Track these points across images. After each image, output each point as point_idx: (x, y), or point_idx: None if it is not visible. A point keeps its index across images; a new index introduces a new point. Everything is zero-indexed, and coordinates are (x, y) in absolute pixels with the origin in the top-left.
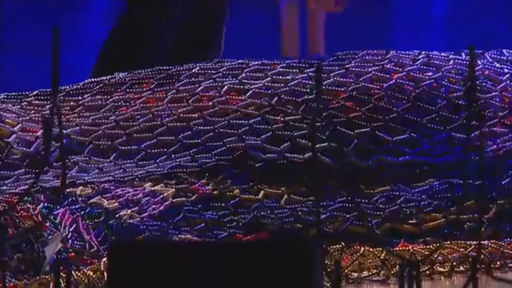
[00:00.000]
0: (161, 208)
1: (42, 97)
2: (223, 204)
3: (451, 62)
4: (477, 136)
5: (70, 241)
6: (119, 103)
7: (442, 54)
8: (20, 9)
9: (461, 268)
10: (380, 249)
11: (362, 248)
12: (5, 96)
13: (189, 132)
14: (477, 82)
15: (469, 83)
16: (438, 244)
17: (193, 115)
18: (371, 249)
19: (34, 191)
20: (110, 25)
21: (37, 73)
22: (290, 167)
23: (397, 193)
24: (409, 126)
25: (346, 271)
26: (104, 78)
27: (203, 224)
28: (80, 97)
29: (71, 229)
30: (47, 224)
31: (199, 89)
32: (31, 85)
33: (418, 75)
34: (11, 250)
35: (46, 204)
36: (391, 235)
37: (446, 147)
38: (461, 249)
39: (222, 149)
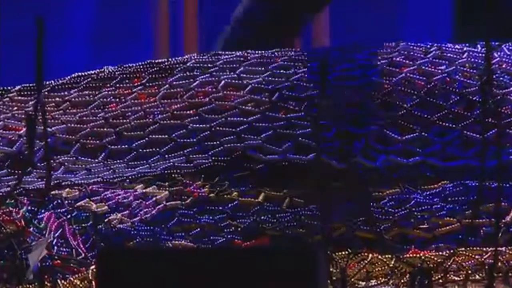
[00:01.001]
0: (154, 212)
1: (25, 93)
2: (220, 208)
3: (465, 55)
4: (494, 135)
5: (55, 247)
6: (108, 99)
7: (456, 46)
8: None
9: (477, 276)
10: (389, 256)
11: (370, 255)
12: None
13: (184, 131)
14: (494, 76)
15: (485, 77)
16: (451, 251)
17: (188, 112)
18: (379, 256)
19: (17, 193)
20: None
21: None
22: (292, 168)
23: (407, 196)
24: (420, 124)
25: (352, 279)
26: (92, 72)
27: (198, 229)
28: (66, 93)
29: (56, 235)
30: (31, 229)
31: (194, 84)
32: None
33: (429, 68)
34: None
35: (29, 208)
36: (401, 241)
37: (459, 147)
38: (477, 256)
39: (219, 149)
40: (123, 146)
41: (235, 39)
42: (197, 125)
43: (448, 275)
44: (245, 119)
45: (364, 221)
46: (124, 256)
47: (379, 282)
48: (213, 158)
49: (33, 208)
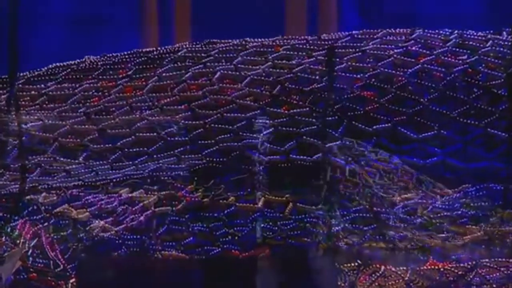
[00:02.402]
0: (141, 218)
1: None
2: (215, 214)
3: (489, 43)
4: None
5: (31, 258)
6: (90, 93)
7: (479, 33)
8: None
9: None
10: (404, 268)
11: (383, 267)
12: None
13: (175, 128)
14: None
15: (511, 68)
16: (474, 262)
17: (179, 107)
18: (393, 269)
19: None
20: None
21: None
22: (295, 169)
23: (424, 201)
24: (438, 121)
25: None
26: (72, 62)
27: (191, 238)
28: (43, 85)
29: (32, 244)
30: (3, 238)
31: (186, 75)
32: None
33: (449, 59)
34: None
35: (1, 214)
36: (417, 252)
37: (482, 147)
38: (502, 268)
39: (214, 148)
40: (106, 145)
41: None
42: (190, 122)
43: None
44: (243, 115)
45: (376, 229)
46: (107, 268)
47: None
48: (208, 158)
49: (5, 215)
